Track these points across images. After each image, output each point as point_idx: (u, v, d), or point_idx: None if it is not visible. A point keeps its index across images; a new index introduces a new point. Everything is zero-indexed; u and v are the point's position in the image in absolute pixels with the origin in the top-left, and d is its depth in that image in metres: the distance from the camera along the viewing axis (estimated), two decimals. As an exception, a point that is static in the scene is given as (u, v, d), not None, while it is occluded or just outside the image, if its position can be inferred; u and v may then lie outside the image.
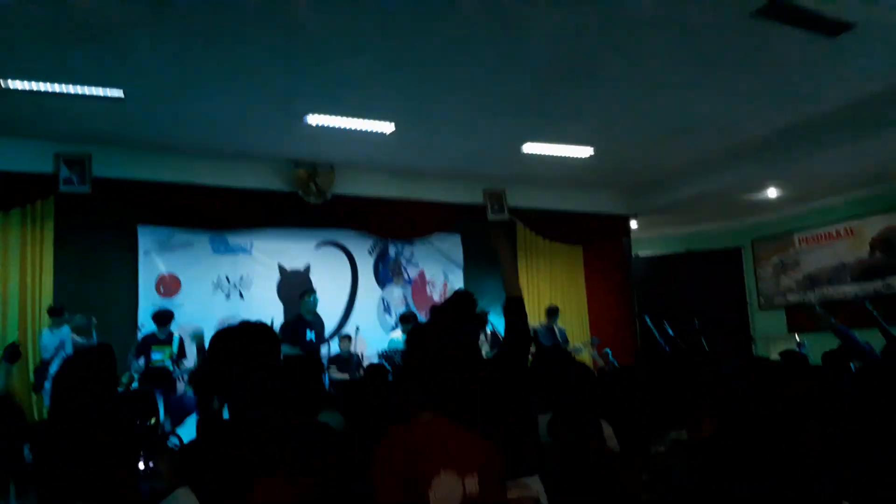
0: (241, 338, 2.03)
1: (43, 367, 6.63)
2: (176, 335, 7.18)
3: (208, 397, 2.93)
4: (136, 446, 2.26)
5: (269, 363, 2.02)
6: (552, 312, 8.82)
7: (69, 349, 6.80)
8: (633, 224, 10.41)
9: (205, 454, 1.87)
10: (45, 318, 6.88)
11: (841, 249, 9.51)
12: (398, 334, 8.23)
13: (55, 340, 6.71)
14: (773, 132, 7.66)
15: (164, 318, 7.15)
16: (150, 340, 7.05)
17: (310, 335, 7.20)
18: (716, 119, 7.21)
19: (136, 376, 6.78)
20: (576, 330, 9.58)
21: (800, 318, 9.85)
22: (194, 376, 5.39)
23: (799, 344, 7.64)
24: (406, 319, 8.25)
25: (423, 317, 9.27)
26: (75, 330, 6.80)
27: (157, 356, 6.91)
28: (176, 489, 1.82)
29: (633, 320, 9.98)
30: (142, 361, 6.94)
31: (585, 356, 8.84)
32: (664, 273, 11.12)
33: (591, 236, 10.12)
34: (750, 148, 8.06)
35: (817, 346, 5.91)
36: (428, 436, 2.12)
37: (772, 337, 10.00)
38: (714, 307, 10.49)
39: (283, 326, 7.36)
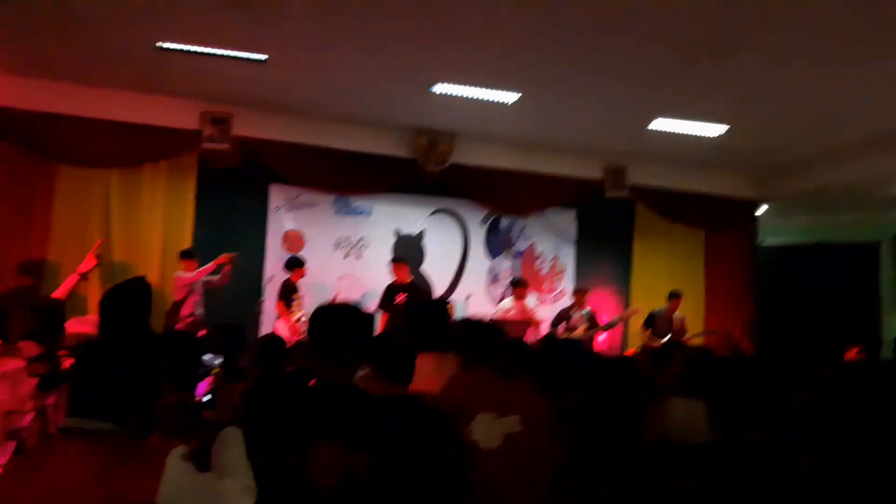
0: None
1: (174, 308, 7.19)
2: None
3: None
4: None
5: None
6: (674, 297, 8.42)
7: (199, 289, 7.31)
8: (762, 210, 9.84)
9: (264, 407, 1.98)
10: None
11: None
12: (509, 300, 8.29)
13: (187, 281, 7.23)
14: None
15: (297, 263, 7.73)
16: (290, 287, 7.64)
17: None
18: (864, 101, 6.59)
19: None
20: (689, 319, 9.12)
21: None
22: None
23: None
24: (517, 284, 8.31)
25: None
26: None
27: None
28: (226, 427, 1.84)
29: (754, 313, 9.49)
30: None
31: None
32: (791, 264, 10.44)
33: (716, 220, 9.61)
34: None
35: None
36: (470, 387, 2.37)
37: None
38: (842, 304, 9.79)
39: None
